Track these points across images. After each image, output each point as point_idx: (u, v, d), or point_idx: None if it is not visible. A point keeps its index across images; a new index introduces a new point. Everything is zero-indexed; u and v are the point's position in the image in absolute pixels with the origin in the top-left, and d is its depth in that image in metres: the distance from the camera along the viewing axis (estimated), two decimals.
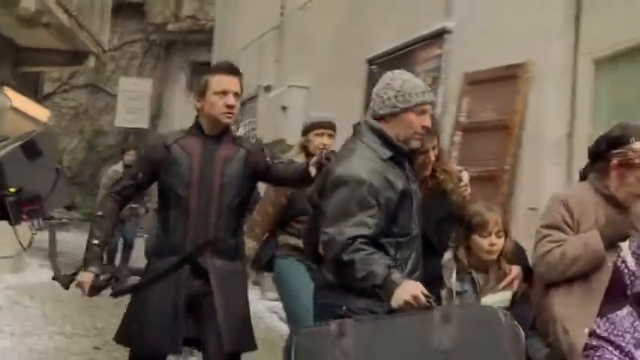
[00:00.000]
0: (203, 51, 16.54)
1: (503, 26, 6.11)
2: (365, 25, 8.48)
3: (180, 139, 3.49)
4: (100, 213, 3.50)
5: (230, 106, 3.42)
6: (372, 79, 7.97)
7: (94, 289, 3.37)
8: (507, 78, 6.02)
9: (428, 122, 3.12)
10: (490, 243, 3.36)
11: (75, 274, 3.40)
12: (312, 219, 3.31)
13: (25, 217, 2.54)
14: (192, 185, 3.40)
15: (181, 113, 17.27)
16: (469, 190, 3.64)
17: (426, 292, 2.77)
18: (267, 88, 11.26)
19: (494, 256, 3.40)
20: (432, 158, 3.45)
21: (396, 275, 2.81)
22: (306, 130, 4.79)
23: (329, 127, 4.76)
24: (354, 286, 2.90)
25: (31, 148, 2.57)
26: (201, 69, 16.32)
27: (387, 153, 3.07)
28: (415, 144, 3.14)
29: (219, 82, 3.44)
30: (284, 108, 9.89)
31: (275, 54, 11.43)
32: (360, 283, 2.86)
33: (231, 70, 3.50)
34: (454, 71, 6.68)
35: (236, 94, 3.45)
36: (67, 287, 3.40)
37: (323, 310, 3.07)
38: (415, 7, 7.54)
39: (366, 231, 2.91)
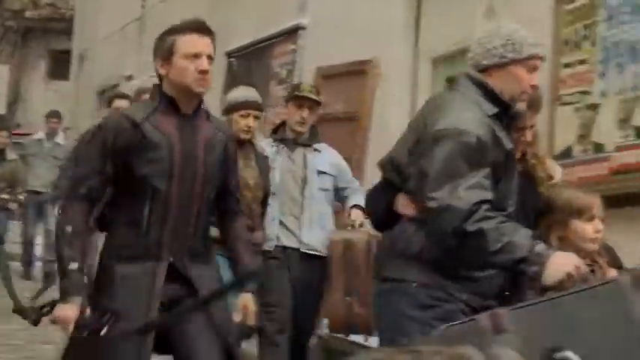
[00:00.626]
0: (63, 39, 16.27)
1: (354, 24, 6.52)
2: (224, 19, 8.68)
3: (151, 115, 2.78)
4: (69, 228, 2.70)
5: (203, 72, 2.76)
6: (230, 72, 8.22)
7: (81, 328, 2.63)
8: (357, 73, 6.44)
9: (536, 81, 2.69)
10: (596, 229, 2.81)
11: (47, 306, 2.72)
12: (386, 183, 2.76)
13: None
14: (173, 176, 2.74)
15: (41, 100, 17.29)
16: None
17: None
18: (129, 78, 11.25)
19: (597, 246, 2.86)
20: (528, 138, 2.99)
21: (540, 246, 2.39)
22: (229, 110, 4.31)
23: (256, 107, 4.36)
24: (476, 261, 2.49)
25: None
26: (62, 57, 16.35)
27: (492, 109, 2.60)
28: (521, 106, 2.67)
29: (189, 42, 2.76)
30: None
31: (136, 44, 11.44)
32: (492, 257, 2.41)
33: (203, 28, 2.84)
34: (308, 66, 7.04)
35: (209, 57, 2.80)
36: (35, 323, 2.76)
37: (384, 288, 2.65)
38: (273, 2, 7.85)
39: (488, 195, 2.45)
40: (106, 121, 2.88)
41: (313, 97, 4.57)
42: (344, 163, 4.83)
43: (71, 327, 2.62)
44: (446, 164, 2.47)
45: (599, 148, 4.63)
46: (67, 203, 2.79)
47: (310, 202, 4.52)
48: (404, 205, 2.64)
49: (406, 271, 2.57)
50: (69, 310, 2.63)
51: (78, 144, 2.94)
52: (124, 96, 6.17)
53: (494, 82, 2.62)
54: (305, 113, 4.51)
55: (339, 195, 4.69)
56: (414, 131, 2.66)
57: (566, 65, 4.93)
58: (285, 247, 4.48)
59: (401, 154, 2.67)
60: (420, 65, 6.03)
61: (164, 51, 2.81)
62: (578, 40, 4.90)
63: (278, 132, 4.69)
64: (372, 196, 2.94)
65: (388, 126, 6.08)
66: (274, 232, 4.45)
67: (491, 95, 2.60)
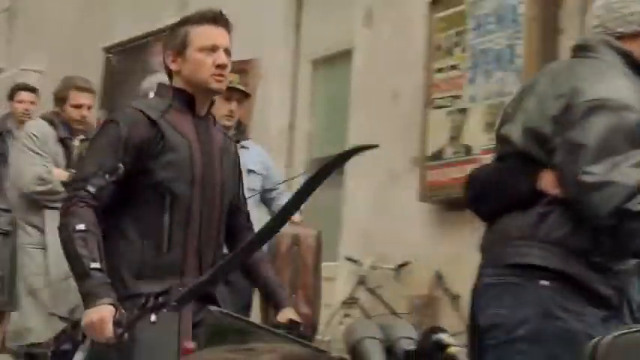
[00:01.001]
0: None
1: (235, 24, 6.56)
2: (103, 13, 8.52)
3: (166, 113, 2.48)
4: (81, 226, 2.32)
5: (222, 66, 2.49)
6: (109, 68, 8.07)
7: (120, 327, 2.18)
8: (237, 72, 6.49)
9: None
10: None
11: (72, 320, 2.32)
12: (522, 158, 2.35)
13: None
14: (195, 182, 2.45)
15: None
16: None
17: None
18: None
19: None
20: None
21: None
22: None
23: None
24: (629, 249, 2.21)
25: None
26: None
27: (636, 81, 2.34)
28: None
29: (204, 34, 2.50)
30: None
31: (6, 35, 11.02)
32: None
33: (219, 19, 2.56)
34: None
35: (227, 51, 2.53)
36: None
37: (507, 280, 2.27)
38: None
39: None
40: (119, 113, 2.55)
41: (242, 88, 4.33)
42: (272, 162, 4.58)
43: (110, 328, 2.18)
44: (606, 137, 2.18)
45: (468, 150, 4.92)
46: (73, 203, 2.37)
47: None
48: (550, 183, 2.27)
49: (547, 259, 2.22)
50: (104, 312, 2.21)
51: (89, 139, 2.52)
52: (27, 88, 5.97)
53: (634, 50, 2.34)
54: (233, 106, 4.19)
55: (263, 197, 4.35)
56: (554, 98, 2.28)
57: (439, 70, 5.21)
58: None
59: (541, 123, 2.29)
60: (300, 67, 6.17)
61: (176, 44, 2.51)
62: (450, 46, 5.18)
63: None
64: (489, 176, 2.47)
65: (268, 127, 6.19)
66: None
67: (634, 65, 2.33)
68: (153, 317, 1.98)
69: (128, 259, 2.41)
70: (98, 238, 2.32)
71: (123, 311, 2.19)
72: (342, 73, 6.05)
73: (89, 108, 4.46)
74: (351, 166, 5.77)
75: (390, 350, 1.84)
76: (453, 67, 5.13)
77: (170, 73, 2.56)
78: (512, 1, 4.82)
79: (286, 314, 2.62)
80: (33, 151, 4.25)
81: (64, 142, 4.31)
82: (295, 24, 6.20)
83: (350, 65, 5.91)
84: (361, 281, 5.37)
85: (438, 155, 5.07)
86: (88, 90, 4.51)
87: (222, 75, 2.49)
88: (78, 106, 4.37)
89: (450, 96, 5.11)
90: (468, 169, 4.72)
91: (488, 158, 4.66)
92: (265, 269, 2.70)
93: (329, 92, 6.17)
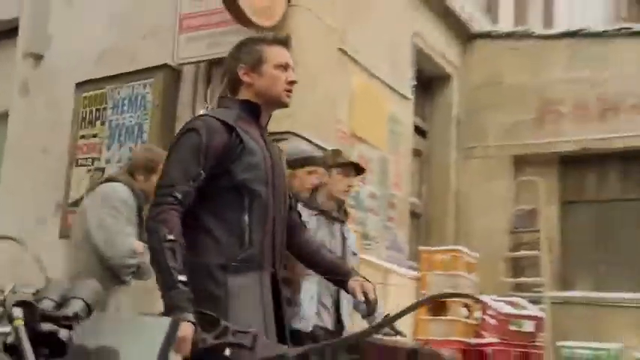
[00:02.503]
0: None
1: None
2: None
3: (238, 120, 2.61)
4: (171, 236, 2.39)
5: (293, 82, 2.68)
6: None
7: (196, 348, 2.19)
8: None
9: None
10: None
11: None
12: None
13: None
14: (269, 182, 2.61)
15: None
16: None
17: None
18: None
19: None
20: None
21: None
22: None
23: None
24: None
25: None
26: None
27: None
28: None
29: (280, 53, 2.69)
30: None
31: None
32: None
33: (287, 42, 2.80)
34: None
35: (293, 70, 2.73)
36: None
37: None
38: None
39: None
40: (197, 122, 2.60)
41: (363, 166, 4.36)
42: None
43: (189, 347, 2.19)
44: None
45: None
46: (163, 210, 2.44)
47: None
48: None
49: None
50: (188, 329, 2.21)
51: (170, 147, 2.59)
52: None
53: None
54: (352, 182, 4.20)
55: None
56: None
57: (82, 137, 6.67)
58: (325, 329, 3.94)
59: None
60: None
61: (253, 59, 2.67)
62: (92, 119, 6.68)
63: (311, 199, 4.06)
64: None
65: None
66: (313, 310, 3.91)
67: None
68: (227, 352, 2.05)
69: (215, 255, 2.50)
70: (183, 250, 2.40)
71: (200, 330, 2.21)
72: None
73: None
74: (1, 209, 6.84)
75: None
76: (94, 136, 6.63)
77: (235, 85, 2.70)
78: (142, 91, 6.47)
79: (357, 283, 2.73)
80: (125, 219, 3.81)
81: (140, 212, 3.87)
82: None
83: (6, 126, 7.05)
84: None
85: (77, 202, 6.48)
86: None
87: (291, 91, 2.69)
88: None
89: (91, 157, 6.59)
90: None
91: None
92: (326, 253, 2.90)
93: None
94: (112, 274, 3.73)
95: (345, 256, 4.03)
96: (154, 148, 4.22)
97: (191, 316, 2.23)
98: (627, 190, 8.40)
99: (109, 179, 4.00)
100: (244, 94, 2.67)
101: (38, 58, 6.81)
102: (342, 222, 4.17)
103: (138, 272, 3.76)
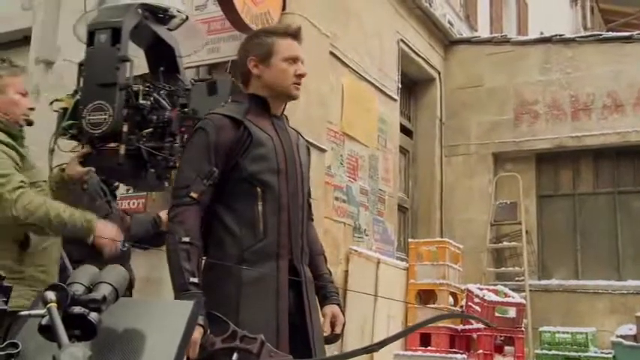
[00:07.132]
0: None
1: None
2: None
3: (247, 113, 2.65)
4: (186, 239, 2.43)
5: (302, 75, 2.69)
6: None
7: (204, 351, 2.17)
8: None
9: None
10: None
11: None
12: None
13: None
14: (281, 172, 2.61)
15: None
16: None
17: None
18: None
19: None
20: None
21: None
22: None
23: None
24: None
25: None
26: None
27: None
28: None
29: (290, 46, 2.69)
30: None
31: None
32: None
33: (299, 35, 2.75)
34: None
35: (303, 63, 2.73)
36: None
37: None
38: None
39: None
40: (205, 122, 2.62)
41: None
42: None
43: (197, 349, 2.20)
44: None
45: None
46: (180, 210, 2.49)
47: None
48: None
49: None
50: (196, 333, 2.20)
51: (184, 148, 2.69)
52: None
53: None
54: None
55: None
56: None
57: None
58: None
59: None
60: None
61: (262, 52, 2.68)
62: None
63: None
64: None
65: None
66: None
67: None
68: (235, 356, 2.04)
69: (231, 247, 2.52)
70: (199, 252, 2.44)
71: (209, 333, 2.20)
72: None
73: None
74: None
75: None
76: None
77: (246, 77, 2.73)
78: None
79: (331, 310, 2.73)
80: None
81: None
82: None
83: None
84: None
85: None
86: None
87: (300, 83, 2.69)
88: None
89: None
90: None
91: None
92: (321, 264, 2.85)
93: None
94: None
95: None
96: None
97: (200, 319, 2.22)
98: (599, 185, 8.93)
99: None
100: (254, 86, 2.69)
101: (49, 64, 7.10)
102: None
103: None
